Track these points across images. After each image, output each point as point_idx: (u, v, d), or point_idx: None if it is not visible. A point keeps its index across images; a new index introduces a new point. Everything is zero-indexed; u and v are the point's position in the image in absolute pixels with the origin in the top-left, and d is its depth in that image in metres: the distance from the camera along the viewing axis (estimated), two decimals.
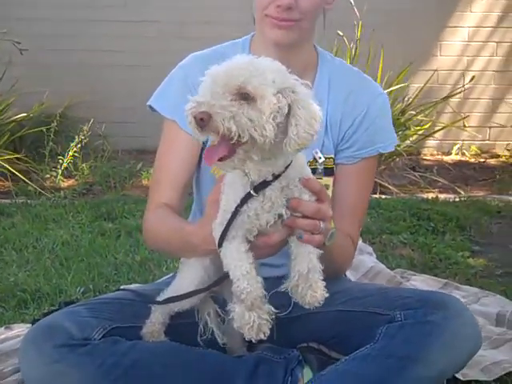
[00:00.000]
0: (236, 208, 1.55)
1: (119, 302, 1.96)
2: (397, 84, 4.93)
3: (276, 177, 1.54)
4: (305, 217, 1.57)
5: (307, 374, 1.85)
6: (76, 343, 1.73)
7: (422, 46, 5.93)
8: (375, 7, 5.23)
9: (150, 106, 2.00)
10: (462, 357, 1.74)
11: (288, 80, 1.47)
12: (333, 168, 1.97)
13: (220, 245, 1.59)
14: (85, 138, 4.95)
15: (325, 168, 1.93)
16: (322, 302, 1.61)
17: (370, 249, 3.02)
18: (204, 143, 1.89)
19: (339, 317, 1.89)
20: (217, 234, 1.60)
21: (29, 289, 2.68)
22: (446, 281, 2.74)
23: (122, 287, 2.25)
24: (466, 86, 5.90)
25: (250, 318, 1.57)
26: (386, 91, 4.57)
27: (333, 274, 1.70)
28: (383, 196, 4.41)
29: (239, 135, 1.39)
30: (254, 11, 1.88)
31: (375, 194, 4.55)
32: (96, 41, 5.73)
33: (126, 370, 1.75)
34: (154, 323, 1.86)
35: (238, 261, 1.57)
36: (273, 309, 1.60)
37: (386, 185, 4.70)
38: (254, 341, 1.60)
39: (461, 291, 2.65)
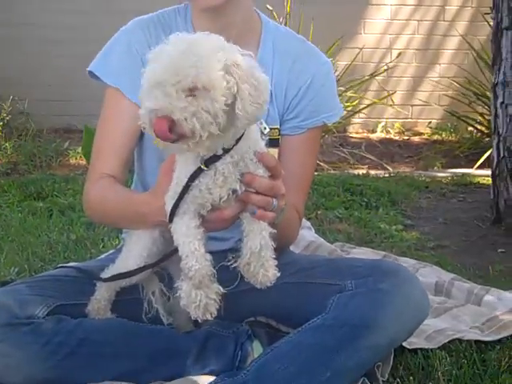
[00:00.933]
0: (187, 183, 1.52)
1: (61, 279, 1.90)
2: None
3: (226, 150, 1.52)
4: (258, 193, 1.56)
5: (257, 347, 1.85)
6: (19, 322, 1.68)
7: (348, 23, 6.00)
8: None
9: (91, 72, 1.91)
10: (413, 323, 1.77)
11: (230, 55, 1.44)
12: (278, 139, 1.93)
13: (171, 220, 1.56)
14: (6, 116, 4.76)
15: (270, 139, 1.86)
16: (273, 282, 1.63)
17: (308, 223, 3.03)
18: None
19: (288, 289, 1.87)
20: (168, 208, 1.57)
21: None
22: (384, 253, 2.79)
23: (60, 265, 2.17)
24: (390, 64, 6.04)
25: (197, 296, 1.55)
26: None
27: (280, 248, 1.69)
28: (316, 173, 4.44)
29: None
30: None
31: None
32: (16, 14, 5.50)
33: (73, 348, 1.72)
34: (100, 300, 1.82)
35: (187, 237, 1.55)
36: (221, 288, 1.58)
37: (317, 162, 4.74)
38: (200, 321, 1.59)
39: (400, 263, 2.70)
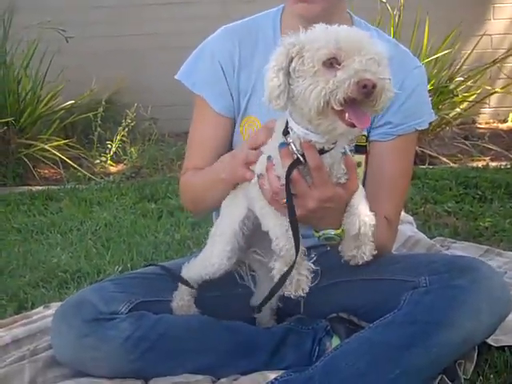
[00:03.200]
0: (287, 173, 1.54)
1: (147, 276, 1.99)
2: (443, 51, 4.78)
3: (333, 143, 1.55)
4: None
5: (335, 343, 1.85)
6: (103, 317, 1.78)
7: (473, 10, 5.73)
8: None
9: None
10: (491, 321, 1.69)
11: None
12: (365, 146, 1.90)
13: None
14: (131, 122, 5.01)
15: (356, 145, 1.84)
16: (367, 260, 1.65)
17: (410, 218, 2.95)
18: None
19: (367, 286, 1.86)
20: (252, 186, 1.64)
21: (70, 269, 2.74)
22: (487, 247, 2.66)
23: (149, 263, 2.27)
24: None
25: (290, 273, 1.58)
26: (430, 58, 4.53)
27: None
28: (430, 166, 4.30)
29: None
30: None
31: (424, 164, 4.46)
32: (139, 25, 5.77)
33: (153, 343, 1.79)
34: (182, 297, 1.87)
35: (277, 219, 1.59)
36: (312, 265, 1.62)
37: (435, 155, 4.59)
38: (293, 297, 1.62)
39: (502, 257, 2.57)
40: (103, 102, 5.16)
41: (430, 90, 4.62)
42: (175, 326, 1.83)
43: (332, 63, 1.39)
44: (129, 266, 2.74)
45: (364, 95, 1.38)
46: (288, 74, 1.45)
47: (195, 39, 2.00)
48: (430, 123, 1.87)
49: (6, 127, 4.68)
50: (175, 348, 1.82)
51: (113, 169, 4.91)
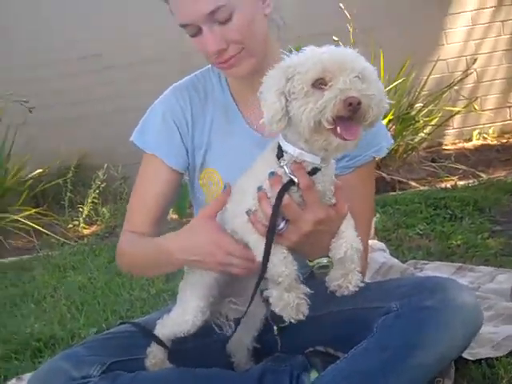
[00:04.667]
0: (278, 195, 1.54)
1: (119, 335, 1.95)
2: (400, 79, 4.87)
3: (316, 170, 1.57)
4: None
5: (314, 376, 1.82)
6: (76, 383, 1.72)
7: (425, 37, 5.86)
8: (367, 8, 5.22)
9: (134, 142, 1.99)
10: (463, 337, 1.66)
11: None
12: None
13: (272, 235, 1.57)
14: (101, 183, 5.01)
15: None
16: (354, 291, 1.65)
17: (382, 245, 2.95)
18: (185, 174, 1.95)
19: (341, 317, 1.84)
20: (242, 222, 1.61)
21: (43, 337, 2.69)
22: (459, 264, 2.66)
23: (121, 321, 2.23)
24: (478, 70, 5.83)
25: (289, 298, 1.59)
26: (388, 88, 4.60)
27: None
28: (400, 192, 4.32)
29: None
30: None
31: (394, 191, 4.49)
32: (100, 88, 5.82)
33: None
34: (157, 353, 1.83)
35: (274, 248, 1.57)
36: (308, 288, 1.61)
37: (405, 180, 4.62)
38: (293, 321, 1.61)
39: (475, 272, 2.57)
40: (72, 167, 5.17)
41: (391, 120, 4.70)
42: (151, 381, 1.78)
43: (320, 84, 1.44)
44: (104, 326, 2.70)
45: (351, 112, 1.42)
46: (285, 97, 1.50)
47: (155, 97, 2.00)
48: (393, 149, 1.89)
49: None
50: None
51: (86, 231, 4.89)
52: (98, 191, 5.02)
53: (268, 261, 1.58)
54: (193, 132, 1.93)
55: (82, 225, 4.89)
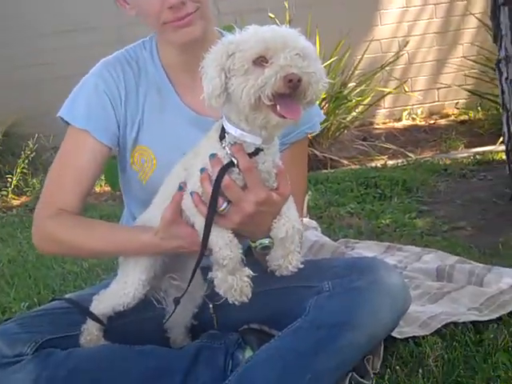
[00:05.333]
0: (217, 177, 1.55)
1: (52, 312, 1.91)
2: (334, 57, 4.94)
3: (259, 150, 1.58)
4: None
5: (248, 355, 1.84)
6: (8, 361, 1.71)
7: (361, 17, 5.95)
8: None
9: (61, 118, 1.91)
10: (392, 317, 1.73)
11: None
12: None
13: (210, 220, 1.58)
14: (31, 153, 4.90)
15: None
16: (293, 271, 1.68)
17: (314, 223, 3.01)
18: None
19: (274, 295, 1.87)
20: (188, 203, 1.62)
21: None
22: (388, 244, 2.75)
23: (54, 297, 2.21)
24: (410, 52, 5.97)
25: (233, 281, 1.61)
26: (322, 66, 4.66)
27: None
28: (331, 170, 4.41)
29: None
30: (149, 23, 1.81)
31: (326, 168, 4.57)
32: (33, 55, 5.67)
33: (63, 380, 1.73)
34: (91, 330, 1.82)
35: (217, 231, 1.60)
36: (251, 271, 1.63)
37: (336, 158, 4.72)
38: (237, 303, 1.63)
39: (403, 252, 2.67)
40: (0, 136, 5.03)
41: (324, 98, 4.77)
42: (85, 358, 1.78)
43: (261, 61, 1.46)
44: (36, 300, 2.67)
45: (291, 89, 1.44)
46: (225, 73, 1.51)
47: (90, 66, 1.96)
48: (326, 128, 1.91)
49: None
50: (87, 381, 1.77)
51: (15, 202, 4.79)
52: (27, 161, 4.91)
53: (207, 241, 1.60)
54: (125, 107, 1.89)
55: (10, 195, 4.78)
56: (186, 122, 1.88)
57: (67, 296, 2.13)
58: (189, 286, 1.71)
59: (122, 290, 1.77)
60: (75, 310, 1.87)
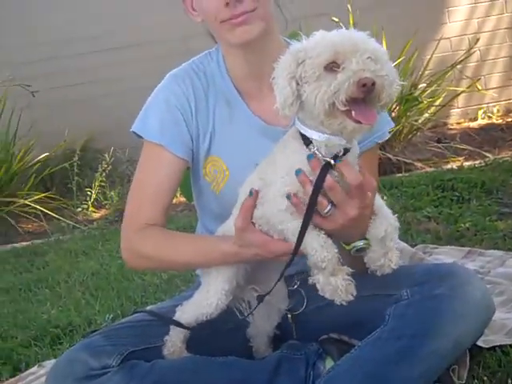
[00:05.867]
0: (319, 177, 1.55)
1: (135, 324, 1.96)
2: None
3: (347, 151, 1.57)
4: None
5: (329, 365, 1.84)
6: (95, 373, 1.75)
7: (428, 16, 5.84)
8: None
9: (134, 132, 1.96)
10: (476, 325, 1.70)
11: None
12: None
13: (307, 222, 1.58)
14: (108, 166, 5.04)
15: None
16: (391, 271, 1.66)
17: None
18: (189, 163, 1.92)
19: (352, 303, 1.85)
20: (279, 206, 1.60)
21: (61, 324, 2.74)
22: (468, 249, 2.69)
23: (137, 310, 2.26)
24: (481, 49, 5.82)
25: (337, 282, 1.60)
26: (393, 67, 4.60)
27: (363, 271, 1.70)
28: (406, 173, 4.34)
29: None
30: (208, 26, 1.85)
31: (400, 172, 4.51)
32: (106, 70, 5.81)
33: None
34: (175, 342, 1.85)
35: (312, 234, 1.59)
36: (350, 269, 1.62)
37: (410, 161, 4.64)
38: (344, 303, 1.62)
39: (485, 256, 2.60)
40: (77, 151, 5.19)
41: (395, 100, 4.68)
42: (169, 370, 1.81)
43: (332, 67, 1.46)
44: (119, 312, 2.75)
45: (365, 93, 1.44)
46: (296, 81, 1.51)
47: (160, 78, 1.99)
48: (398, 130, 1.87)
49: None
50: None
51: (95, 215, 4.93)
52: (104, 174, 5.05)
53: (302, 241, 1.58)
54: (196, 119, 1.91)
55: (90, 208, 4.93)
56: (255, 132, 1.89)
57: (148, 308, 2.18)
58: (274, 285, 1.71)
59: (205, 300, 1.79)
60: (157, 323, 1.90)
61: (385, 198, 3.62)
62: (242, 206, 1.68)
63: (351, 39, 1.47)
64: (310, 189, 1.56)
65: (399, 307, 1.69)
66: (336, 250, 1.59)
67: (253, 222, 1.67)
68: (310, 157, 1.57)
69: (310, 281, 1.64)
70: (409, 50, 4.95)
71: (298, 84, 1.51)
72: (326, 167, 1.55)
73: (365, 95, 1.44)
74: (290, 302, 1.90)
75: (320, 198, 1.57)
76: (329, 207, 1.58)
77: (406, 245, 2.77)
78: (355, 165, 1.61)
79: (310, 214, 1.57)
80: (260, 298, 1.79)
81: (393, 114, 4.74)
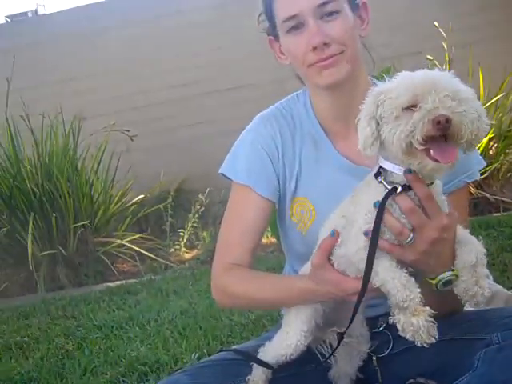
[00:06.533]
0: (383, 200, 1.53)
1: (219, 363, 1.95)
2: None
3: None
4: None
5: None
6: None
7: None
8: (463, 24, 5.12)
9: (223, 174, 1.99)
10: None
11: None
12: None
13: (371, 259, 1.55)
14: (200, 208, 5.13)
15: None
16: (485, 299, 1.58)
17: (485, 271, 2.84)
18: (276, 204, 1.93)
19: (439, 347, 1.77)
20: (360, 244, 1.58)
21: (149, 361, 2.78)
22: None
23: (222, 348, 2.26)
24: None
25: (419, 323, 1.54)
26: (488, 103, 4.49)
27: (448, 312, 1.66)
28: (504, 213, 4.17)
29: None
30: (296, 70, 1.86)
31: (498, 212, 4.34)
32: (197, 113, 5.99)
33: None
34: (257, 382, 1.84)
35: (393, 272, 1.55)
36: (431, 310, 1.55)
37: (509, 200, 4.46)
38: (426, 346, 1.55)
39: None
40: (172, 192, 5.32)
41: (492, 138, 4.56)
42: None
43: (411, 107, 1.45)
44: (205, 351, 2.76)
45: (441, 131, 1.41)
46: (377, 122, 1.52)
47: (249, 120, 2.01)
48: (496, 169, 1.81)
49: (82, 229, 4.88)
50: None
51: (187, 255, 5.01)
52: (197, 215, 5.14)
53: (370, 274, 1.55)
54: (283, 160, 1.93)
55: (183, 249, 5.02)
56: (342, 172, 1.88)
57: (234, 347, 2.17)
58: (351, 322, 1.66)
59: (285, 341, 1.77)
60: (241, 362, 1.89)
61: (480, 237, 3.48)
62: (321, 243, 1.67)
63: (431, 79, 1.46)
64: (392, 221, 1.53)
65: (490, 352, 1.61)
66: (418, 290, 1.54)
67: (330, 259, 1.65)
68: (406, 171, 1.52)
69: (391, 321, 1.58)
70: (507, 85, 4.81)
71: (378, 124, 1.51)
72: (391, 191, 1.53)
73: (442, 133, 1.41)
74: (373, 344, 1.84)
75: (400, 227, 1.54)
76: (411, 235, 1.54)
77: (501, 287, 2.64)
78: (439, 195, 1.56)
79: (374, 239, 1.53)
80: (340, 336, 1.75)
81: (490, 152, 4.61)
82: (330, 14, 1.76)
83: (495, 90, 4.79)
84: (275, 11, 1.83)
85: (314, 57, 1.77)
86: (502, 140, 4.69)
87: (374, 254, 1.54)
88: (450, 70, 3.79)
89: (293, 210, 1.95)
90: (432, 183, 1.55)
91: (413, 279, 1.55)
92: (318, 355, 1.85)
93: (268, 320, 3.02)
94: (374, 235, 1.54)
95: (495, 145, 4.67)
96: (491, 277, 2.80)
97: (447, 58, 4.72)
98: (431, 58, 4.66)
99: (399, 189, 1.53)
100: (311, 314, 1.74)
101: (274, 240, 4.77)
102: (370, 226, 1.56)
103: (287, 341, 1.76)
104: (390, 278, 1.55)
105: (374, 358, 1.86)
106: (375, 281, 1.56)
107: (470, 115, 1.43)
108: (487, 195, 4.47)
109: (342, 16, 1.77)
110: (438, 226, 1.53)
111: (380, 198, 1.55)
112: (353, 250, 1.59)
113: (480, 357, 1.61)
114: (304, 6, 1.75)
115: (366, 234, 1.56)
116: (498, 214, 4.21)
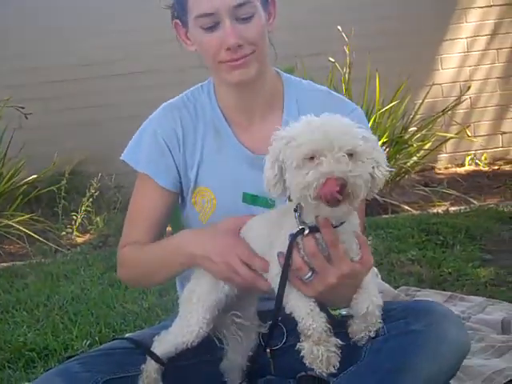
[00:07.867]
0: (290, 242, 1.58)
1: (113, 352, 1.93)
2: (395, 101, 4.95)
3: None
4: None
5: None
6: None
7: (422, 62, 5.94)
8: (365, 31, 5.31)
9: (124, 160, 2.00)
10: (451, 362, 1.69)
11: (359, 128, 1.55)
12: None
13: (282, 289, 1.62)
14: (95, 192, 5.03)
15: None
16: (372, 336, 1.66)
17: (374, 270, 2.97)
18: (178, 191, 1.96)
19: None
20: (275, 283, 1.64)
21: (37, 347, 2.71)
22: (450, 293, 2.70)
23: (115, 337, 2.24)
24: (472, 96, 5.92)
25: (319, 351, 1.59)
26: (383, 109, 4.68)
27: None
28: (392, 215, 4.37)
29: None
30: (205, 60, 1.88)
31: (386, 213, 4.54)
32: (98, 96, 5.85)
33: None
34: (150, 372, 1.83)
35: (300, 301, 1.61)
36: (339, 341, 1.61)
37: (397, 203, 4.68)
38: (325, 374, 1.61)
39: (466, 302, 2.61)
40: (66, 174, 5.18)
41: (385, 142, 4.76)
42: None
43: (311, 157, 1.48)
44: (97, 339, 2.72)
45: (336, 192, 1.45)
46: (280, 166, 1.56)
47: (154, 107, 2.02)
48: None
49: None
50: None
51: (79, 239, 4.90)
52: (91, 199, 5.04)
53: (280, 306, 1.62)
54: (184, 151, 1.95)
55: (75, 233, 4.90)
56: (243, 162, 1.92)
57: (127, 335, 2.16)
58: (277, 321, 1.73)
59: (186, 328, 1.77)
60: (135, 351, 1.89)
61: (370, 238, 3.65)
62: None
63: (332, 133, 1.48)
64: (296, 254, 1.59)
65: (376, 342, 1.69)
66: (323, 319, 1.60)
67: None
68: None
69: (297, 346, 1.65)
70: (401, 93, 5.03)
71: (282, 168, 1.55)
72: (300, 232, 1.58)
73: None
74: (263, 335, 1.88)
75: (301, 264, 1.60)
76: (309, 274, 1.60)
77: (388, 286, 2.79)
78: (351, 236, 1.62)
79: (284, 277, 1.60)
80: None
81: None
82: (245, 15, 1.79)
83: (391, 96, 4.99)
84: (189, 1, 1.83)
85: (226, 56, 1.80)
86: (394, 145, 4.90)
87: (285, 282, 1.61)
88: (350, 73, 3.91)
89: (194, 199, 1.97)
90: (343, 223, 1.59)
91: (317, 309, 1.61)
92: (215, 340, 1.87)
93: (162, 309, 3.01)
94: (285, 268, 1.60)
95: (387, 149, 4.86)
96: (379, 275, 2.95)
97: (348, 62, 4.86)
98: (333, 60, 4.80)
99: (306, 231, 1.58)
100: (215, 303, 1.77)
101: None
102: (284, 251, 1.62)
103: (188, 328, 1.77)
104: (297, 306, 1.61)
105: (267, 350, 1.91)
106: (286, 308, 1.63)
107: (364, 176, 1.48)
108: (377, 197, 4.65)
109: (256, 17, 1.81)
110: (337, 274, 1.59)
111: (295, 231, 1.61)
112: (272, 273, 1.66)
113: (367, 347, 1.70)
114: (221, 5, 1.77)
115: (278, 255, 1.63)
116: (387, 216, 4.39)
